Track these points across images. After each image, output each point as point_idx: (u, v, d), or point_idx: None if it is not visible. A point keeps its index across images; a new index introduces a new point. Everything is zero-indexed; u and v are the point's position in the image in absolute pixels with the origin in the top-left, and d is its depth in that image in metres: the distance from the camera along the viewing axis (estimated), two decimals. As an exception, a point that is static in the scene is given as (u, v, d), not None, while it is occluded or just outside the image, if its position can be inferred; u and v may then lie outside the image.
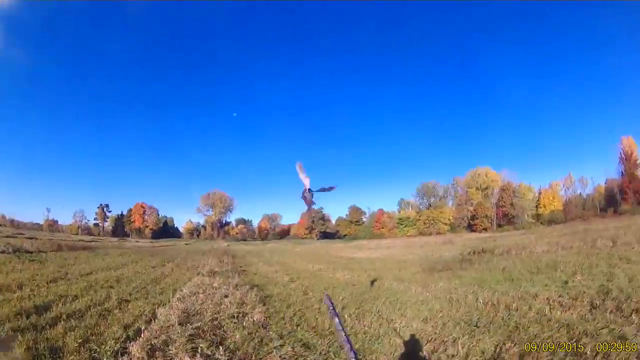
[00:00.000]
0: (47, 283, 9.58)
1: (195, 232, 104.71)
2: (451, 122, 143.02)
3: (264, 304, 7.79)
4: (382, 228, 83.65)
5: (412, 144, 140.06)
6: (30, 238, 30.25)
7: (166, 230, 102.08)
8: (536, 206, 75.58)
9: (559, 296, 7.12)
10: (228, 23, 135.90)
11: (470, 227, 74.92)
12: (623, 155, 64.36)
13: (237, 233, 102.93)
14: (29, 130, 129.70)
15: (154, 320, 6.20)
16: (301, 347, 5.12)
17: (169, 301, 7.75)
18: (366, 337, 5.60)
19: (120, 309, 7.10)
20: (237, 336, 5.41)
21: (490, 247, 19.97)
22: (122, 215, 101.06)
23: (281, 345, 5.14)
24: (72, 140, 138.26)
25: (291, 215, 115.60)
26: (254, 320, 6.33)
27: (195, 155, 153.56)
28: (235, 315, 6.62)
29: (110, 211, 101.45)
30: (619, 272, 8.56)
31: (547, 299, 7.08)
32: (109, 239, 66.53)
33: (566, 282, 8.22)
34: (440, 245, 34.21)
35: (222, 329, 5.84)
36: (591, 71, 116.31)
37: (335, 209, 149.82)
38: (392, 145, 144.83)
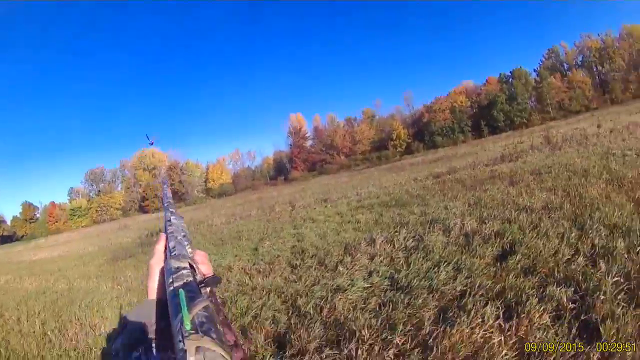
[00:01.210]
0: None
1: None
2: (107, 103, 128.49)
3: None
4: (57, 222, 74.79)
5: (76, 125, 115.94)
6: None
7: None
8: (205, 181, 77.39)
9: (254, 264, 6.96)
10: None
11: (142, 209, 72.43)
12: (292, 130, 71.43)
13: None
14: None
15: None
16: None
17: None
18: (78, 353, 4.59)
19: None
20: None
21: (166, 227, 20.15)
22: None
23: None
24: None
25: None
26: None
27: None
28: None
29: None
30: (307, 231, 8.78)
31: (242, 268, 6.77)
32: None
33: (256, 249, 8.28)
34: (116, 231, 32.81)
35: None
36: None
37: (8, 208, 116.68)
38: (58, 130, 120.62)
